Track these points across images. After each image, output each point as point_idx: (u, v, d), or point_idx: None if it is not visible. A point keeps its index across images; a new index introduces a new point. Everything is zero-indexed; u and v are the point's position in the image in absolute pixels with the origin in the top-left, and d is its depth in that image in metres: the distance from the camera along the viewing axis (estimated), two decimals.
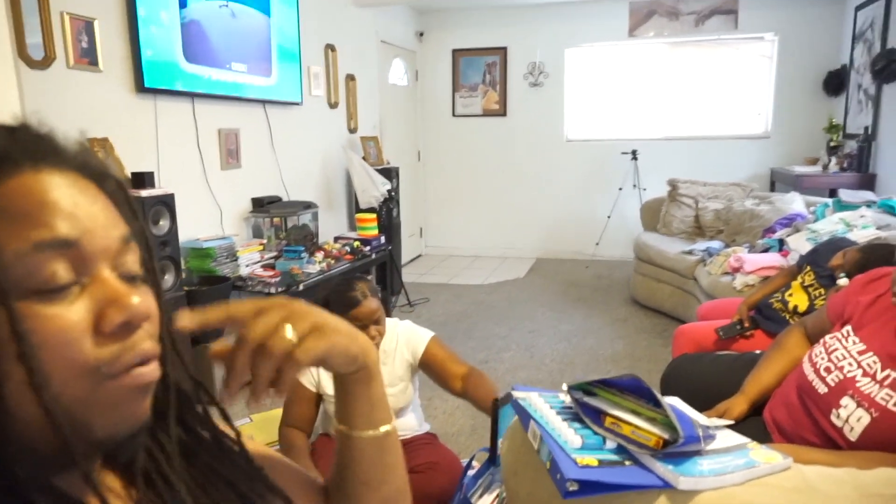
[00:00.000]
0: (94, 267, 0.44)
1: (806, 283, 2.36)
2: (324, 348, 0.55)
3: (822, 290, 2.27)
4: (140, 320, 0.45)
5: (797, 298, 2.33)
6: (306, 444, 1.88)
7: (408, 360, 1.92)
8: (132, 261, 0.48)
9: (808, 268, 2.40)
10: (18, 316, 0.40)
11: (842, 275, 2.14)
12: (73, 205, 0.44)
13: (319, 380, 1.90)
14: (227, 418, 0.59)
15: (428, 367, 1.93)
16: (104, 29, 2.66)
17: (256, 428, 2.67)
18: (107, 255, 0.45)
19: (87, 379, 0.42)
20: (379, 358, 1.91)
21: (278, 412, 2.83)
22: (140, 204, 2.60)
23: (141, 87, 2.82)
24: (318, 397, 1.92)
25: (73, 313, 0.42)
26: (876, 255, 2.02)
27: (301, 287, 3.21)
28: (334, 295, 1.82)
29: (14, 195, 0.42)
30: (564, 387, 1.12)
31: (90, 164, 0.48)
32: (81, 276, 0.44)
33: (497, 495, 1.60)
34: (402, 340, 1.93)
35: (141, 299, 0.45)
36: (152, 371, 0.46)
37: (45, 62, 2.42)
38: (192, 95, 3.15)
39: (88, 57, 2.61)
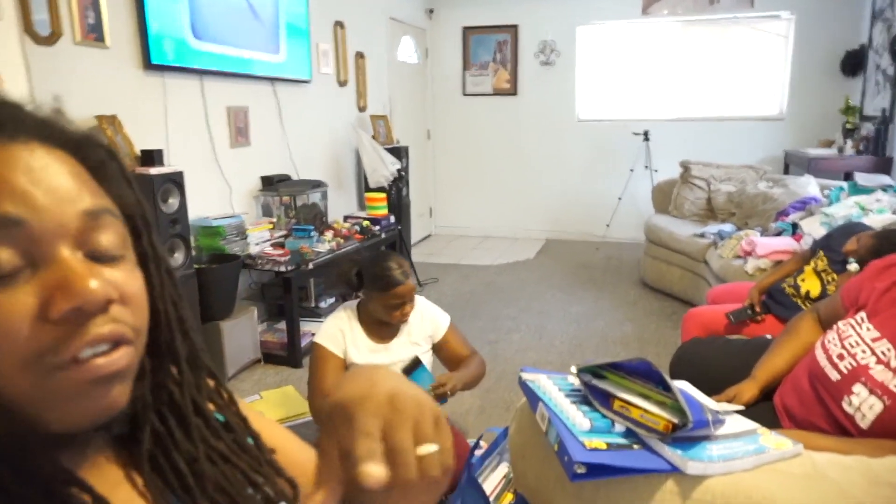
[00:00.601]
0: (48, 248, 0.40)
1: (819, 269, 2.33)
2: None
3: (835, 276, 2.24)
4: (95, 306, 0.40)
5: (810, 284, 2.31)
6: None
7: (428, 335, 2.03)
8: (106, 238, 0.43)
9: (822, 253, 2.37)
10: None
11: (851, 260, 2.12)
12: (23, 180, 0.40)
13: (346, 346, 1.91)
14: (234, 403, 0.57)
15: (440, 349, 2.06)
16: (111, 5, 2.63)
17: (267, 405, 2.69)
18: (64, 234, 0.41)
19: (30, 370, 0.39)
20: (402, 329, 1.97)
21: (287, 389, 2.86)
22: (149, 182, 2.57)
23: (148, 64, 2.80)
24: (346, 365, 1.94)
25: (16, 301, 0.39)
26: (891, 241, 1.98)
27: (311, 266, 3.21)
28: (375, 270, 1.86)
29: None
30: (573, 369, 1.11)
31: (60, 133, 0.45)
32: (33, 259, 0.40)
33: (504, 475, 1.60)
34: (425, 316, 2.04)
35: (100, 282, 0.41)
36: (115, 360, 0.42)
37: (52, 39, 2.41)
38: (200, 72, 3.13)
39: (95, 33, 2.59)
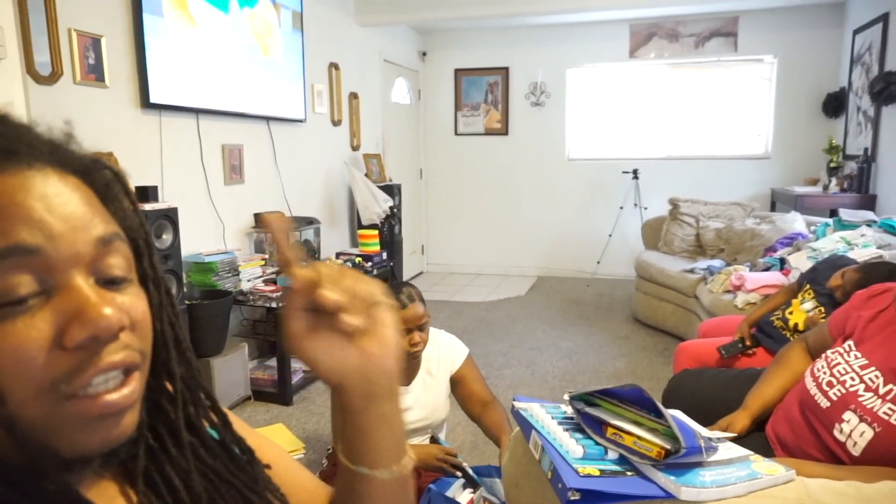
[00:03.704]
0: (63, 275, 0.41)
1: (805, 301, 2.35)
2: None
3: (822, 309, 2.27)
4: (109, 333, 0.41)
5: (797, 316, 2.33)
6: None
7: (449, 370, 1.94)
8: (116, 263, 0.44)
9: (808, 286, 2.40)
10: None
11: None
12: (39, 208, 0.40)
13: None
14: (227, 425, 0.57)
15: (457, 384, 1.95)
16: (111, 45, 2.70)
17: None
18: (79, 261, 0.41)
19: (44, 398, 0.39)
20: (421, 366, 1.88)
21: (278, 426, 2.82)
22: (144, 217, 2.65)
23: (146, 103, 2.85)
24: None
25: (33, 328, 0.39)
26: (875, 275, 2.01)
27: None
28: None
29: None
30: (566, 397, 1.11)
31: (72, 158, 0.45)
32: (48, 286, 0.40)
33: (472, 501, 1.59)
34: (444, 348, 1.94)
35: (113, 310, 0.41)
36: (125, 397, 0.42)
37: (53, 78, 2.45)
38: (196, 111, 3.18)
39: (95, 73, 2.64)
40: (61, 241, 0.40)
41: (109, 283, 0.43)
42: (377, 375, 0.52)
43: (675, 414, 1.16)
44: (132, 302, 0.45)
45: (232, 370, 3.01)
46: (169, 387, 0.52)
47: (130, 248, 0.47)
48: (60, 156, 0.44)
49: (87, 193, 0.44)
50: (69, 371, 0.40)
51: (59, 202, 0.41)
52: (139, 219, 0.49)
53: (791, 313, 2.35)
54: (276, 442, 0.67)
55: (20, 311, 0.39)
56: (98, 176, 0.46)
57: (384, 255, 4.27)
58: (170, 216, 2.65)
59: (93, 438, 0.42)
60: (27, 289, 0.39)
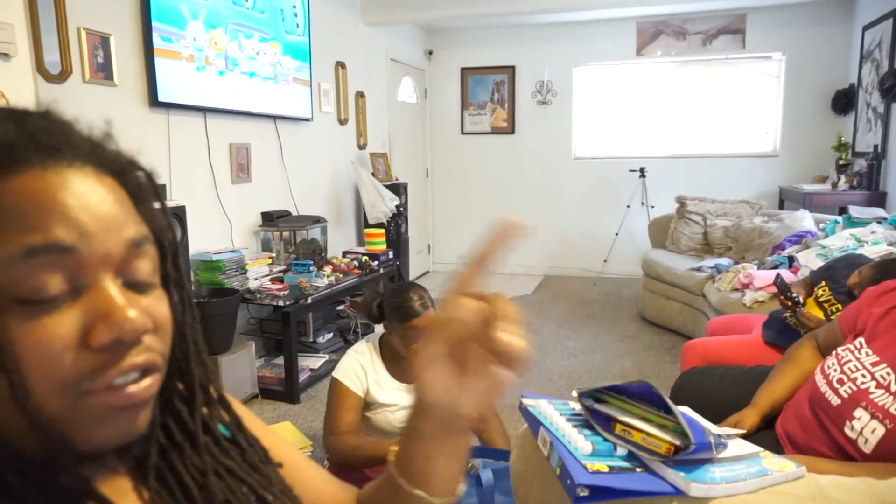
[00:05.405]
0: (93, 275, 0.41)
1: (822, 299, 2.33)
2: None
3: (840, 306, 2.24)
4: (133, 337, 0.42)
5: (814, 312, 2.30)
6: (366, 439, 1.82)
7: None
8: (144, 267, 0.45)
9: (824, 283, 2.37)
10: (1, 326, 0.38)
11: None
12: (76, 206, 0.41)
13: (368, 385, 1.87)
14: (239, 426, 0.57)
15: None
16: (119, 44, 2.71)
17: None
18: (109, 262, 0.42)
19: (66, 394, 0.40)
20: None
21: (285, 424, 2.82)
22: (172, 219, 2.73)
23: (154, 102, 2.86)
24: (365, 403, 1.90)
25: (60, 325, 0.40)
26: (890, 272, 2.00)
27: (309, 300, 3.22)
28: (394, 301, 1.80)
29: (13, 194, 0.40)
30: (574, 393, 1.11)
31: (110, 158, 0.46)
32: (77, 285, 0.41)
33: None
34: None
35: (139, 313, 0.42)
36: (144, 389, 0.43)
37: (62, 76, 2.47)
38: (204, 110, 3.19)
39: (104, 71, 2.65)
40: (94, 240, 0.41)
41: (135, 285, 0.44)
42: (468, 412, 0.54)
43: (684, 410, 1.15)
44: (156, 305, 0.45)
45: (239, 368, 3.02)
46: (180, 386, 0.53)
47: (157, 248, 0.48)
48: (99, 155, 0.45)
49: (120, 194, 0.45)
50: (92, 370, 0.41)
51: (94, 202, 0.42)
52: (167, 220, 0.50)
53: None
54: (288, 441, 0.67)
55: (49, 308, 0.40)
56: (132, 177, 0.47)
57: (390, 254, 4.27)
58: (178, 214, 2.66)
59: (110, 431, 0.43)
60: (58, 286, 0.40)
